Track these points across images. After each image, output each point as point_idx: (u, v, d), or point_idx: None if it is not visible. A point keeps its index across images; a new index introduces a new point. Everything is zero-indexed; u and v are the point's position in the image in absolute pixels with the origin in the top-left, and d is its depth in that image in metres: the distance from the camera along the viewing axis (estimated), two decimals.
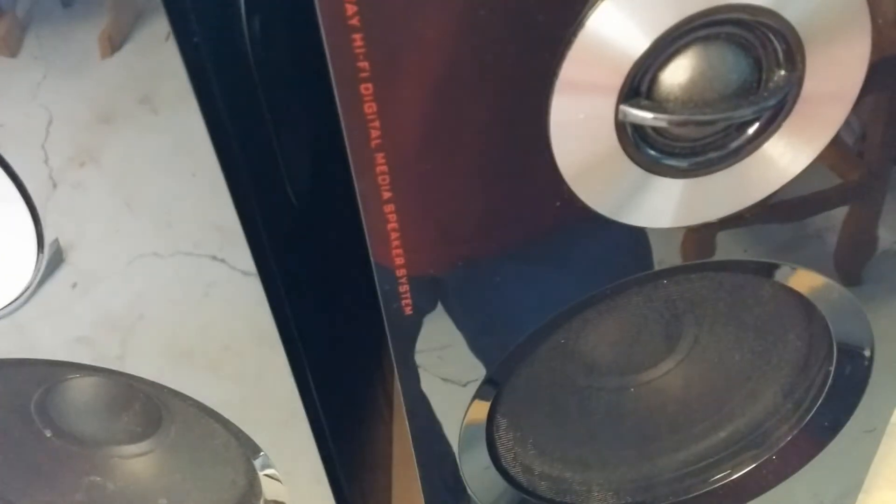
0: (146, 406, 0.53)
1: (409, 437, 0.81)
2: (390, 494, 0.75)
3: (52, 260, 0.39)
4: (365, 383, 0.68)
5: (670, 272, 0.45)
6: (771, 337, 0.51)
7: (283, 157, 0.47)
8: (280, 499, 0.53)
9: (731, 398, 0.54)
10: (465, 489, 0.53)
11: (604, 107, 0.36)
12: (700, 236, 0.42)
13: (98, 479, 0.54)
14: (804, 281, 0.48)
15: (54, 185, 0.37)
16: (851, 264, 0.47)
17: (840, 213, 0.44)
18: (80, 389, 0.54)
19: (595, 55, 0.35)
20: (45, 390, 0.52)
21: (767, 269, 0.47)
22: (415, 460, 0.52)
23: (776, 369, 0.53)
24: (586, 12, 0.34)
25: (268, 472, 0.50)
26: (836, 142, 0.40)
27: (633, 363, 0.52)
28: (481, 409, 0.50)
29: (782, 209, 0.42)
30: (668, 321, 0.51)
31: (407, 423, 0.49)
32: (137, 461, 0.55)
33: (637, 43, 0.35)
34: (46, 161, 0.36)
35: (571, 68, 0.35)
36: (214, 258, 0.40)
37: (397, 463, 0.79)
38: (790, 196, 0.42)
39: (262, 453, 0.49)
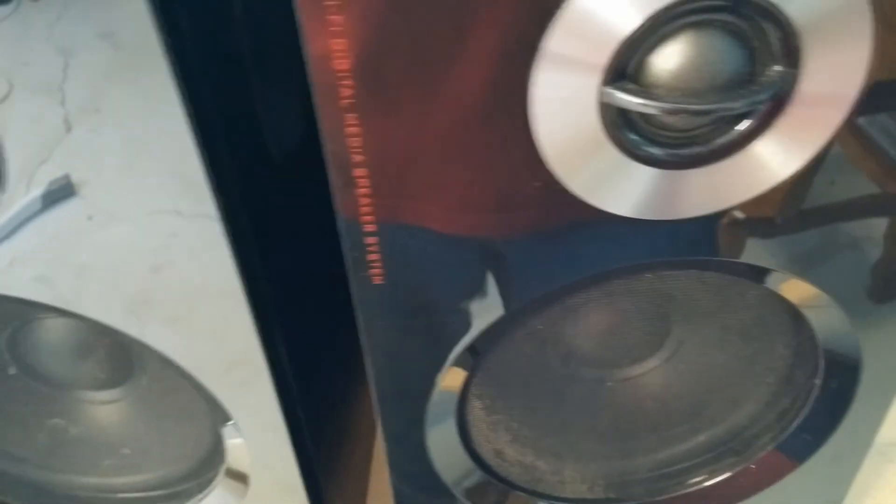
0: (116, 354, 0.53)
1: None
2: (369, 466, 0.74)
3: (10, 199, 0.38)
4: (340, 353, 0.67)
5: (652, 266, 0.43)
6: (757, 343, 0.50)
7: (264, 108, 0.46)
8: (243, 460, 0.52)
9: (713, 403, 0.52)
10: (430, 464, 0.51)
11: (587, 85, 0.35)
12: (691, 231, 0.41)
13: (61, 421, 0.54)
14: (795, 290, 0.46)
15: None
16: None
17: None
18: (52, 330, 0.53)
19: (582, 28, 0.33)
20: (15, 328, 0.52)
21: (758, 274, 0.45)
22: (380, 429, 0.51)
23: (760, 377, 0.51)
24: None
25: (230, 432, 0.50)
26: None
27: (613, 358, 0.51)
28: (457, 377, 0.48)
29: (785, 215, 0.40)
30: (652, 319, 0.49)
31: (371, 386, 0.48)
32: (104, 408, 0.54)
33: (627, 20, 0.33)
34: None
35: (556, 41, 0.34)
36: (177, 204, 0.39)
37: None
38: (793, 202, 0.40)
39: (224, 411, 0.48)
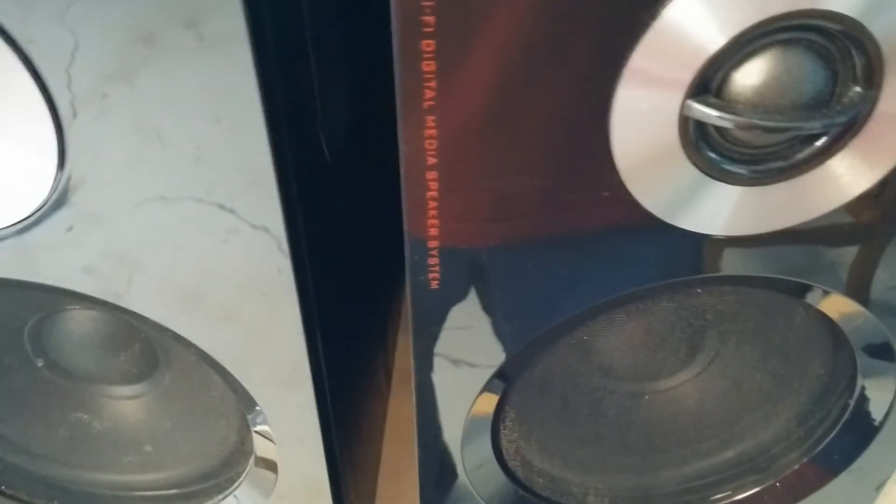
0: (142, 348, 0.52)
1: (402, 414, 0.80)
2: (378, 469, 0.73)
3: (71, 182, 0.37)
4: (369, 354, 0.67)
5: (707, 281, 0.43)
6: (794, 361, 0.50)
7: (323, 110, 0.45)
8: (270, 458, 0.51)
9: (744, 418, 0.52)
10: (460, 477, 0.51)
11: (669, 100, 0.35)
12: (746, 248, 0.41)
13: (85, 416, 0.53)
14: (836, 306, 0.46)
15: (74, 114, 0.35)
16: None
17: None
18: (77, 322, 0.52)
19: (668, 47, 0.33)
20: (40, 319, 0.51)
21: (800, 290, 0.45)
22: (415, 441, 0.50)
23: (794, 394, 0.51)
24: (663, 3, 0.32)
25: (261, 429, 0.49)
26: None
27: (651, 370, 0.51)
28: (489, 402, 0.48)
29: (836, 231, 0.41)
30: (693, 331, 0.49)
31: (414, 401, 0.47)
32: (127, 403, 0.53)
33: (713, 39, 0.33)
34: (69, 86, 0.34)
35: (642, 58, 0.33)
36: (239, 204, 0.39)
37: (388, 439, 0.78)
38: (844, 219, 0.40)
39: (258, 410, 0.47)
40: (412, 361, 0.47)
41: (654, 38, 0.33)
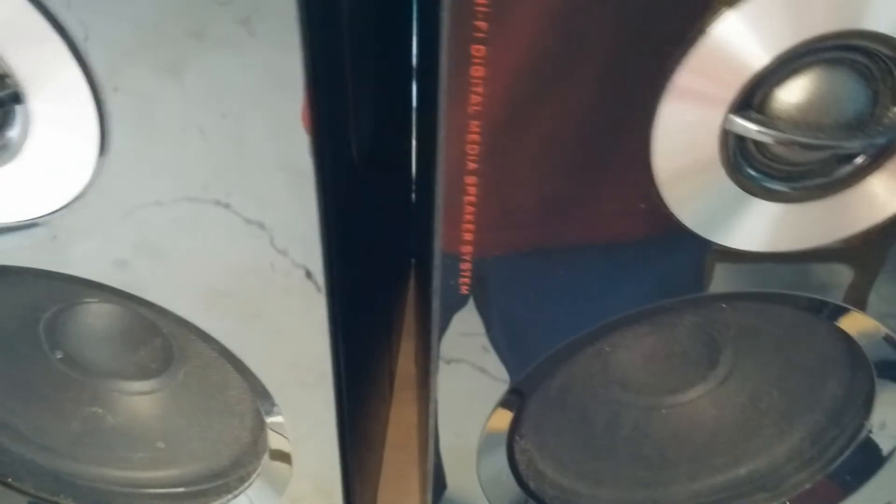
0: (158, 343, 0.51)
1: (402, 420, 0.80)
2: (380, 474, 0.73)
3: (109, 173, 0.37)
4: (377, 358, 0.67)
5: (733, 297, 0.43)
6: (811, 378, 0.50)
7: (353, 115, 0.46)
8: (285, 458, 0.51)
9: (759, 434, 0.52)
10: (473, 486, 0.51)
11: (712, 115, 0.35)
12: (775, 264, 0.41)
13: (99, 410, 0.52)
14: (857, 324, 0.46)
15: (118, 105, 0.35)
16: None
17: None
18: (93, 315, 0.52)
19: (713, 64, 0.34)
20: (57, 311, 0.50)
21: (821, 307, 0.45)
22: (430, 448, 0.50)
23: (809, 412, 0.52)
24: (709, 21, 0.33)
25: (277, 428, 0.49)
26: None
27: (668, 384, 0.51)
28: (504, 417, 0.48)
29: (863, 249, 0.41)
30: (712, 346, 0.50)
31: (430, 407, 0.47)
32: (141, 399, 0.53)
33: (757, 57, 0.34)
34: (116, 76, 0.34)
35: (688, 73, 0.34)
36: (274, 203, 0.39)
37: (390, 445, 0.77)
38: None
39: (276, 409, 0.47)
40: (432, 366, 0.47)
41: (701, 55, 0.33)
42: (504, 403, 0.47)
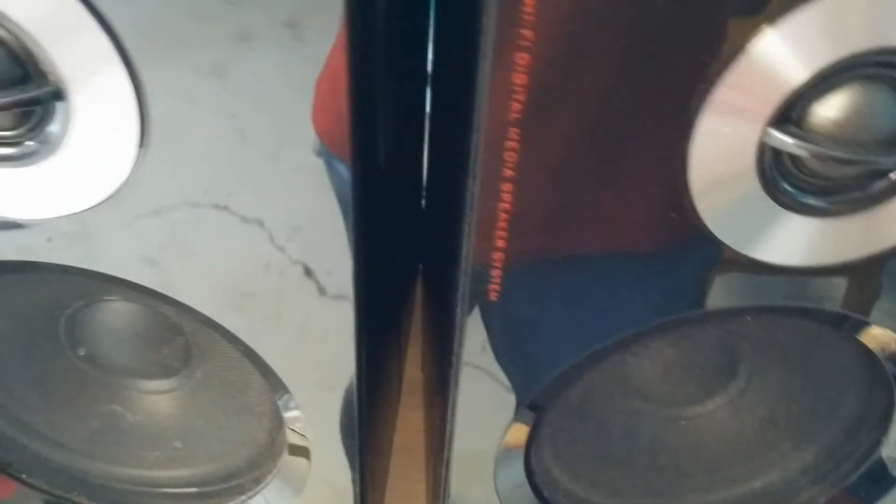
0: (177, 342, 0.51)
1: (408, 426, 0.80)
2: (387, 480, 0.73)
3: (146, 170, 0.37)
4: (388, 364, 0.67)
5: (759, 310, 0.43)
6: (829, 392, 0.50)
7: (383, 120, 0.46)
8: (300, 464, 0.51)
9: (775, 447, 0.53)
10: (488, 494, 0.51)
11: (749, 128, 0.35)
12: (803, 278, 0.41)
13: (118, 408, 0.52)
14: (878, 338, 0.46)
15: (161, 103, 0.35)
16: None
17: None
18: (113, 313, 0.52)
19: (752, 80, 0.34)
20: (78, 308, 0.50)
21: (842, 320, 0.46)
22: (446, 454, 0.50)
23: (825, 426, 0.52)
24: (750, 38, 0.33)
25: (297, 428, 0.48)
26: None
27: (687, 394, 0.51)
28: (520, 432, 0.48)
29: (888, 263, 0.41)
30: (731, 358, 0.50)
31: (449, 414, 0.48)
32: (160, 398, 0.53)
33: (796, 73, 0.34)
34: (160, 75, 0.34)
35: (726, 89, 0.34)
36: (307, 206, 0.39)
37: (396, 451, 0.77)
38: None
39: (296, 412, 0.47)
40: (451, 373, 0.47)
41: (741, 71, 0.34)
42: (520, 418, 0.47)
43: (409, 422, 0.82)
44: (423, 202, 0.82)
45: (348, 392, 0.47)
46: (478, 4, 0.34)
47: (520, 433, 0.49)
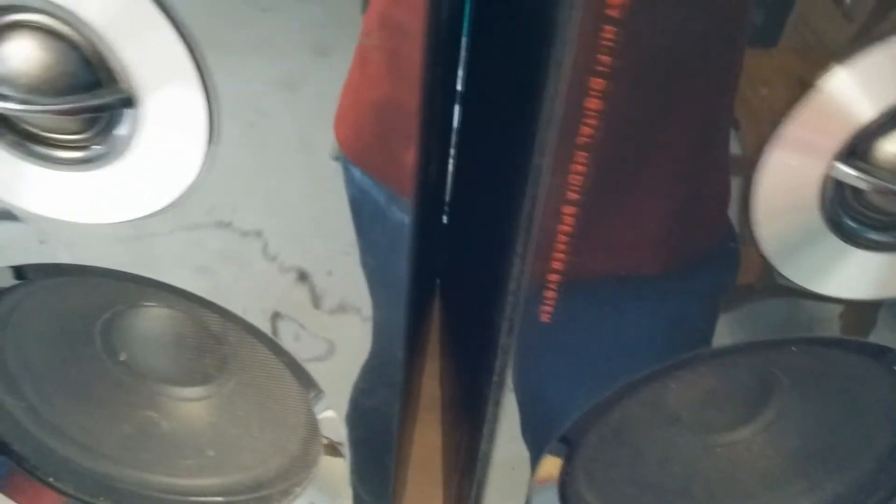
0: (216, 350, 0.51)
1: (423, 441, 0.80)
2: (404, 494, 0.73)
3: (210, 179, 0.37)
4: (415, 380, 0.67)
5: (808, 342, 0.44)
6: (864, 421, 0.50)
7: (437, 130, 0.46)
8: (336, 473, 0.51)
9: (806, 476, 0.53)
10: None
11: (815, 163, 0.36)
12: (854, 311, 0.41)
13: (154, 414, 0.52)
14: None
15: (231, 113, 0.35)
16: None
17: None
18: (150, 318, 0.51)
19: (821, 116, 0.34)
20: (115, 313, 0.50)
21: (881, 352, 0.46)
22: (478, 476, 0.50)
23: (859, 456, 0.52)
24: (820, 76, 0.33)
25: (335, 440, 0.48)
26: None
27: (724, 421, 0.51)
28: (553, 465, 0.48)
29: None
30: (759, 386, 0.50)
31: (486, 435, 0.47)
32: (195, 406, 0.53)
33: (864, 111, 0.34)
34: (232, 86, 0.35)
35: (795, 125, 0.34)
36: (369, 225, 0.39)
37: (412, 466, 0.77)
38: None
39: (335, 425, 0.47)
40: (492, 394, 0.47)
41: (810, 107, 0.34)
42: (554, 451, 0.47)
43: (427, 437, 0.82)
44: (446, 218, 0.82)
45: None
46: (549, 27, 0.34)
47: (553, 466, 0.49)
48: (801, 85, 0.34)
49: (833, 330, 0.43)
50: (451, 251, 0.79)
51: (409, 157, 0.36)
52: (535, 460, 0.48)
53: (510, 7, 0.49)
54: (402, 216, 0.38)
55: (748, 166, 0.36)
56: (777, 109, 0.34)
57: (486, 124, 0.59)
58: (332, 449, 0.49)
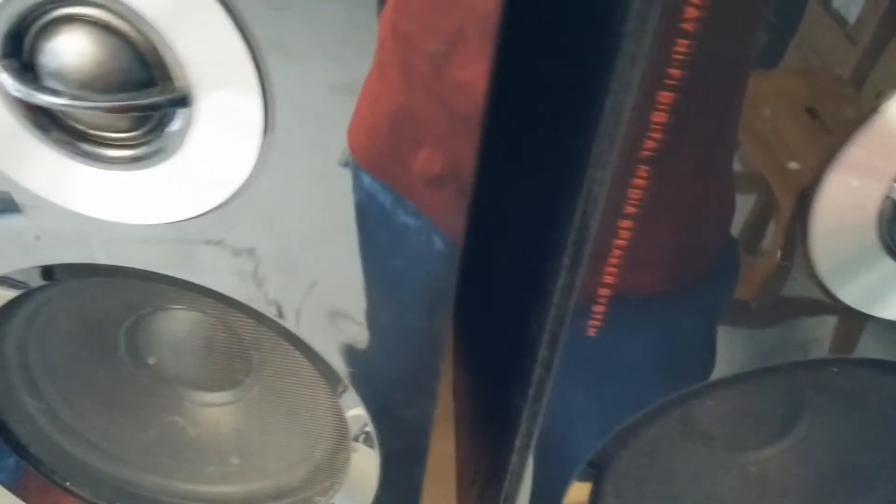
0: (240, 354, 0.50)
1: (437, 451, 0.79)
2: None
3: (259, 186, 0.37)
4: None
5: (851, 363, 0.43)
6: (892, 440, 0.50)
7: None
8: (363, 481, 0.50)
9: (835, 496, 0.52)
10: None
11: (874, 185, 0.35)
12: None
13: (179, 420, 0.51)
14: None
15: (287, 119, 0.34)
16: None
17: None
18: (176, 322, 0.51)
19: (882, 140, 0.34)
20: (139, 316, 0.49)
21: None
22: (507, 481, 0.49)
23: (887, 476, 0.51)
24: (883, 101, 0.33)
25: (366, 450, 0.48)
26: None
27: (751, 440, 0.51)
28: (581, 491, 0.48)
29: None
30: (800, 404, 0.49)
31: (519, 449, 0.47)
32: (219, 411, 0.52)
33: None
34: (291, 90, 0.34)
35: (857, 148, 0.34)
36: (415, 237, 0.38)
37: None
38: None
39: (371, 435, 0.46)
40: (528, 404, 0.46)
41: (873, 131, 0.34)
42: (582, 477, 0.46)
43: (439, 448, 0.81)
44: None
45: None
46: (607, 43, 0.34)
47: (581, 492, 0.48)
48: (865, 108, 0.33)
49: (876, 352, 0.42)
50: (466, 260, 0.78)
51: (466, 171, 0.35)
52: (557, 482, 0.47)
53: (550, 22, 0.48)
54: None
55: (810, 187, 0.35)
56: (840, 130, 0.34)
57: (514, 137, 0.58)
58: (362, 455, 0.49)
